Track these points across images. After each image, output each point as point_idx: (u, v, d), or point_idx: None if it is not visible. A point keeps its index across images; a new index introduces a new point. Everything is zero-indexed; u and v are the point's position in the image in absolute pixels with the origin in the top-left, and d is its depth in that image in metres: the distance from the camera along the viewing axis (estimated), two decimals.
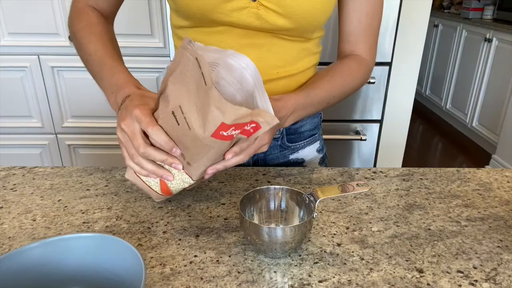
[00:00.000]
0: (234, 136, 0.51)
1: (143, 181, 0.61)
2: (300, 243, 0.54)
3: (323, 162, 0.90)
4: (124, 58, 0.73)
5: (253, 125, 0.50)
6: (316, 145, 0.88)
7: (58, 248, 0.45)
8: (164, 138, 0.53)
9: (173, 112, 0.52)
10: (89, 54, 0.69)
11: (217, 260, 0.54)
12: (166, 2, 1.54)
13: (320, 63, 0.84)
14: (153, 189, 0.61)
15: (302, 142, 0.85)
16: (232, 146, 0.55)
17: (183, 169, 0.57)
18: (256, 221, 0.58)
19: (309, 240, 0.58)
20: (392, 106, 1.89)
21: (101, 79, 0.66)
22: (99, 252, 0.45)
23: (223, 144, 0.52)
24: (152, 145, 0.55)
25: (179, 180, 0.59)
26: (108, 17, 0.78)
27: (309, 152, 0.87)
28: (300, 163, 0.87)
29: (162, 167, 0.58)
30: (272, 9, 0.66)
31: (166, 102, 0.53)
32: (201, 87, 0.49)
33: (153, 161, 0.56)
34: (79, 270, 0.46)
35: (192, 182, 0.60)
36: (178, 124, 0.52)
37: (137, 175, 0.61)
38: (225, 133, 0.50)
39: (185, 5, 0.68)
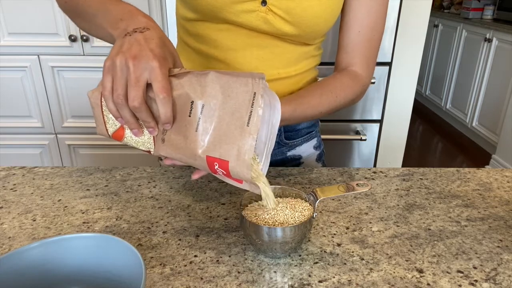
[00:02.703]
0: (217, 173, 0.50)
1: (102, 111, 0.55)
2: (300, 243, 0.54)
3: (320, 159, 0.90)
4: None
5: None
6: (313, 142, 0.88)
7: (58, 248, 0.45)
8: (169, 113, 0.48)
9: (193, 102, 0.48)
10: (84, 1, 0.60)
11: (217, 260, 0.54)
12: (166, 1, 1.54)
13: (321, 63, 0.84)
14: (105, 126, 0.56)
15: (300, 139, 0.86)
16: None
17: (154, 137, 0.53)
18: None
19: (309, 240, 0.58)
20: (392, 106, 1.89)
21: (105, 12, 0.56)
22: (99, 252, 0.45)
23: (204, 166, 0.51)
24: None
25: (140, 140, 0.55)
26: None
27: (306, 148, 0.87)
28: (297, 159, 0.87)
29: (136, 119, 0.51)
30: (280, 15, 0.67)
31: (194, 87, 0.49)
32: (239, 118, 0.47)
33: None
34: (79, 270, 0.46)
35: (148, 150, 0.55)
36: (189, 116, 0.49)
37: (100, 102, 0.54)
38: (216, 167, 0.49)
39: (196, 3, 0.68)
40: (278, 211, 0.55)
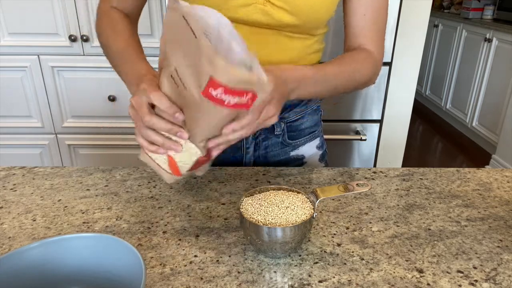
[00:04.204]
0: (225, 102, 0.47)
1: (152, 160, 0.59)
2: (300, 243, 0.54)
3: (323, 159, 0.90)
4: None
5: (249, 95, 0.47)
6: (316, 141, 0.88)
7: (58, 248, 0.45)
8: (166, 103, 0.53)
9: (171, 76, 0.51)
10: (113, 52, 0.71)
11: (217, 260, 0.54)
12: (166, 1, 1.54)
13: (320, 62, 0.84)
14: (162, 167, 0.59)
15: (303, 138, 0.86)
16: (232, 122, 0.53)
17: (188, 138, 0.55)
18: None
19: (309, 240, 0.58)
20: (392, 106, 1.89)
21: (125, 74, 0.67)
22: (99, 252, 0.45)
23: (216, 111, 0.49)
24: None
25: (187, 153, 0.57)
26: (132, 17, 0.79)
27: (309, 148, 0.87)
28: (300, 159, 0.87)
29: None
30: (278, 5, 0.67)
31: (166, 69, 0.52)
32: (192, 42, 0.47)
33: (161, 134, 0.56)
34: (79, 270, 0.46)
35: (199, 154, 0.57)
36: (177, 87, 0.51)
37: (148, 155, 0.60)
38: (213, 92, 0.47)
39: (191, 1, 0.68)
40: (278, 211, 0.55)
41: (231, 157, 0.83)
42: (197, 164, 0.59)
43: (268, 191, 0.59)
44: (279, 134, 0.83)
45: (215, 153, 0.57)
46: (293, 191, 0.59)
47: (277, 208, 0.55)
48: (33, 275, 0.44)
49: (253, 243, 0.54)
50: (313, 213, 0.54)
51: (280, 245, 0.52)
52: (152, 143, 0.56)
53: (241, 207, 0.55)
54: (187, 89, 0.49)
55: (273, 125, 0.81)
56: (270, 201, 0.56)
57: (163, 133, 0.56)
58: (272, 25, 0.69)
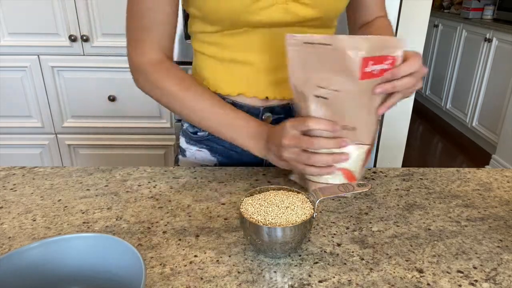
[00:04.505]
0: (374, 72, 0.54)
1: (327, 183, 0.63)
2: (300, 243, 0.54)
3: None
4: None
5: (389, 60, 0.54)
6: None
7: (58, 248, 0.45)
8: (324, 121, 0.58)
9: (316, 95, 0.57)
10: (201, 111, 0.70)
11: (217, 260, 0.54)
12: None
13: None
14: (340, 185, 0.61)
15: None
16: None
17: (351, 141, 0.61)
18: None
19: (309, 240, 0.58)
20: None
21: (233, 132, 0.70)
22: (99, 252, 0.45)
23: (371, 86, 0.56)
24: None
25: (355, 156, 0.63)
26: (171, 55, 0.75)
27: None
28: None
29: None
30: (299, 1, 0.67)
31: (308, 95, 0.58)
32: (326, 51, 0.53)
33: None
34: (79, 270, 0.46)
35: (367, 146, 0.63)
36: (327, 99, 0.57)
37: (319, 182, 0.64)
38: (368, 69, 0.53)
39: (214, 10, 0.67)
40: (278, 211, 0.55)
41: (253, 158, 0.82)
42: (367, 156, 0.65)
43: (268, 191, 0.59)
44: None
45: (378, 91, 0.59)
46: (293, 191, 0.59)
47: (277, 208, 0.55)
48: (34, 275, 0.44)
49: (253, 243, 0.54)
50: (313, 213, 0.54)
51: (280, 245, 0.52)
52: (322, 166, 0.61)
53: (241, 207, 0.55)
54: (340, 90, 0.56)
55: None
56: (270, 201, 0.56)
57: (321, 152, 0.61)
58: (294, 22, 0.69)
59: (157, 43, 0.70)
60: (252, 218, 0.53)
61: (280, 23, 0.69)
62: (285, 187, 0.59)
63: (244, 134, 0.69)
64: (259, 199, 0.57)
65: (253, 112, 0.76)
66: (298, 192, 0.58)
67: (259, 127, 0.68)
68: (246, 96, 0.76)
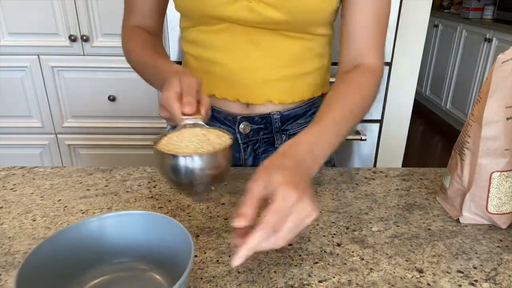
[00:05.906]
0: None
1: None
2: (222, 177, 0.51)
3: (330, 162, 0.89)
4: None
5: None
6: None
7: (113, 222, 0.50)
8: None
9: (507, 118, 0.59)
10: (143, 62, 0.72)
11: (217, 260, 0.54)
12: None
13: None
14: None
15: None
16: None
17: None
18: None
19: (309, 240, 0.58)
20: (392, 106, 1.89)
21: (156, 73, 0.67)
22: (150, 228, 0.49)
23: None
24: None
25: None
26: (156, 34, 0.81)
27: None
28: None
29: None
30: (263, 1, 0.65)
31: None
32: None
33: None
34: (130, 243, 0.50)
35: None
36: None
37: None
38: None
39: (184, 5, 0.69)
40: (190, 143, 0.51)
41: (253, 158, 0.82)
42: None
43: (185, 128, 0.54)
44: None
45: None
46: (213, 128, 0.55)
47: (196, 139, 0.51)
48: (91, 246, 0.49)
49: (173, 183, 0.51)
50: (231, 143, 0.51)
51: (200, 177, 0.49)
52: None
53: (156, 146, 0.52)
54: None
55: (273, 138, 0.80)
56: (182, 137, 0.53)
57: None
58: (262, 23, 0.68)
59: (141, 15, 0.78)
60: (169, 150, 0.50)
61: (247, 22, 0.68)
62: (200, 123, 0.54)
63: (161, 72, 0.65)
64: (176, 136, 0.53)
65: (230, 119, 0.77)
66: (220, 130, 0.55)
67: (171, 68, 0.63)
68: (217, 98, 0.76)
